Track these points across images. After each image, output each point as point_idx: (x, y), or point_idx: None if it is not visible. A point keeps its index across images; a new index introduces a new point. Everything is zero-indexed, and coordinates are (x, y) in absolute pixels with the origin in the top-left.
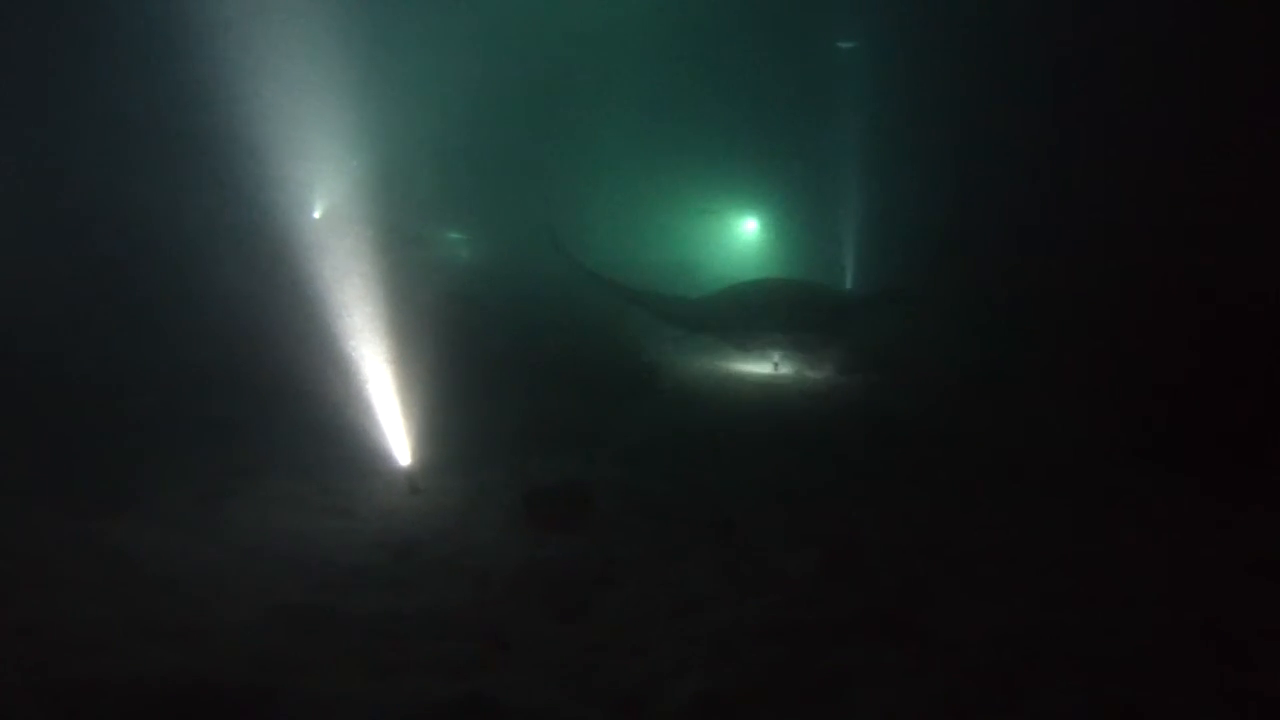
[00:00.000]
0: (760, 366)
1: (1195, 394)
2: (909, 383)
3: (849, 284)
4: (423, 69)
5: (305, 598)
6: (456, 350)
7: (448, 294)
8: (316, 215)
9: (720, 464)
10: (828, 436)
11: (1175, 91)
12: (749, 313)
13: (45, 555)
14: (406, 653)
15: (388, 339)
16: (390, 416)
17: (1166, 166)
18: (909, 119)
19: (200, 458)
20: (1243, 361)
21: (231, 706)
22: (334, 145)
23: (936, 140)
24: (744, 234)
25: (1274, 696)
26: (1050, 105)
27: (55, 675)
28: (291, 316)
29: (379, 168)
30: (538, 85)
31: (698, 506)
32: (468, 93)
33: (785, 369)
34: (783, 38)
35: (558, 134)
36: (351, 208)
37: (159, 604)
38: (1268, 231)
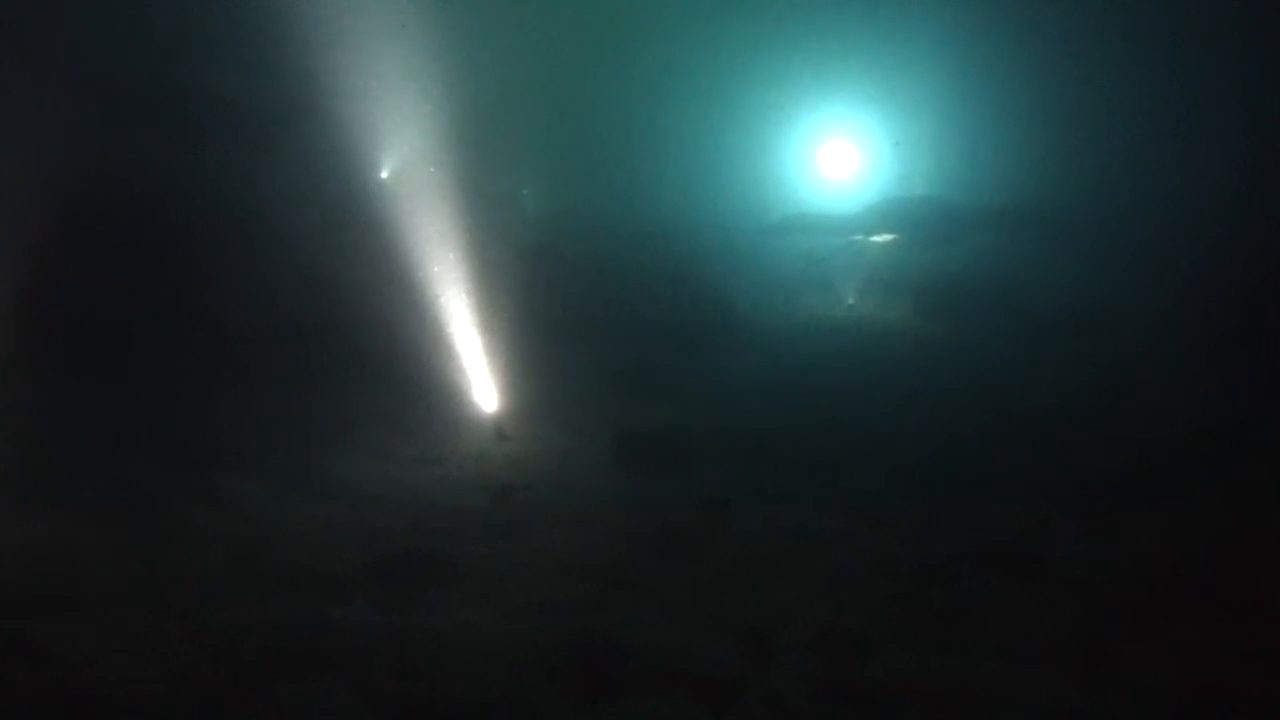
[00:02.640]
0: None
1: None
2: None
3: None
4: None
5: (415, 542)
6: (537, 299)
7: (526, 246)
8: (385, 174)
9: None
10: None
11: None
12: None
13: (173, 509)
14: (525, 593)
15: (468, 290)
16: (475, 366)
17: None
18: None
19: (294, 412)
20: None
21: (368, 649)
22: (403, 102)
23: None
24: None
25: None
26: None
27: (197, 623)
28: (374, 273)
29: (449, 124)
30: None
31: (796, 446)
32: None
33: None
34: None
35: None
36: (424, 165)
37: (283, 554)
38: None
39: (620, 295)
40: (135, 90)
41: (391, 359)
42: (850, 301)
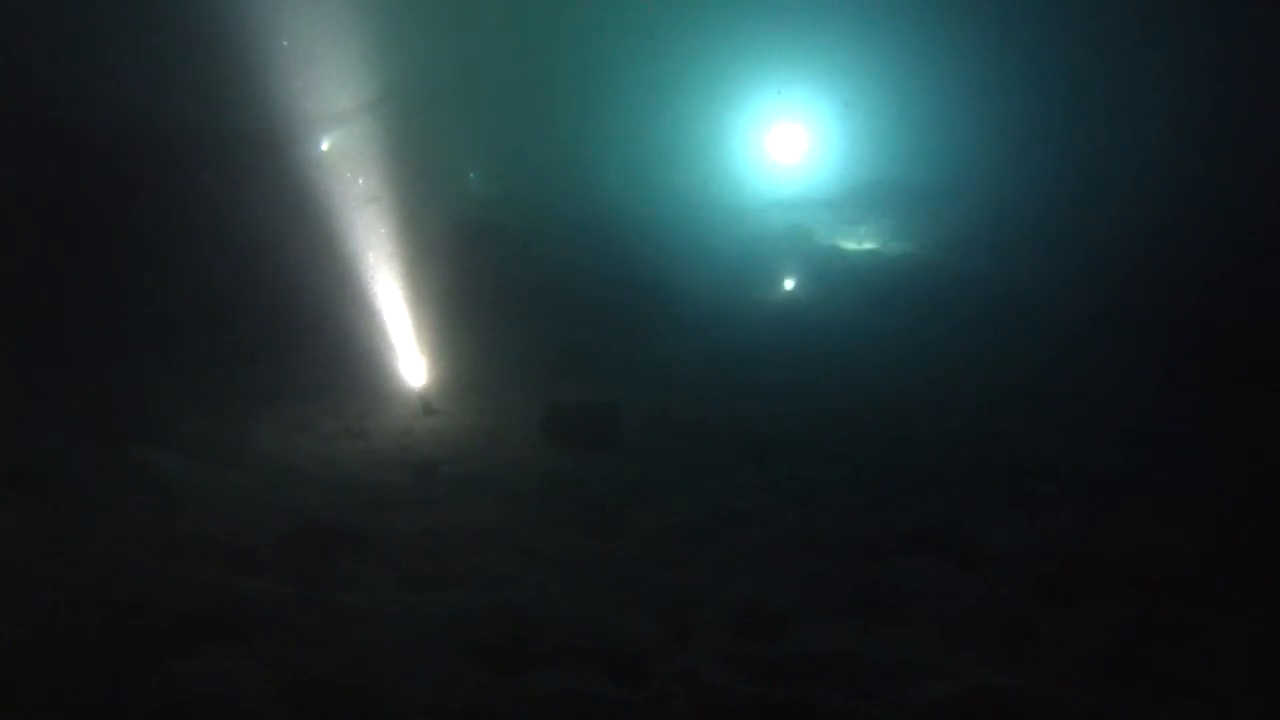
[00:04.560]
0: None
1: None
2: None
3: None
4: None
5: (335, 515)
6: (473, 277)
7: (465, 222)
8: (324, 147)
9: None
10: None
11: None
12: None
13: (85, 480)
14: (441, 567)
15: (400, 267)
16: (402, 341)
17: None
18: None
19: (218, 384)
20: None
21: (273, 620)
22: (345, 76)
23: None
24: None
25: None
26: None
27: (101, 594)
28: (304, 246)
29: (392, 100)
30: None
31: (727, 428)
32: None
33: None
34: None
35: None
36: (363, 140)
37: (196, 526)
38: None
39: (558, 276)
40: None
41: (317, 332)
42: (789, 286)
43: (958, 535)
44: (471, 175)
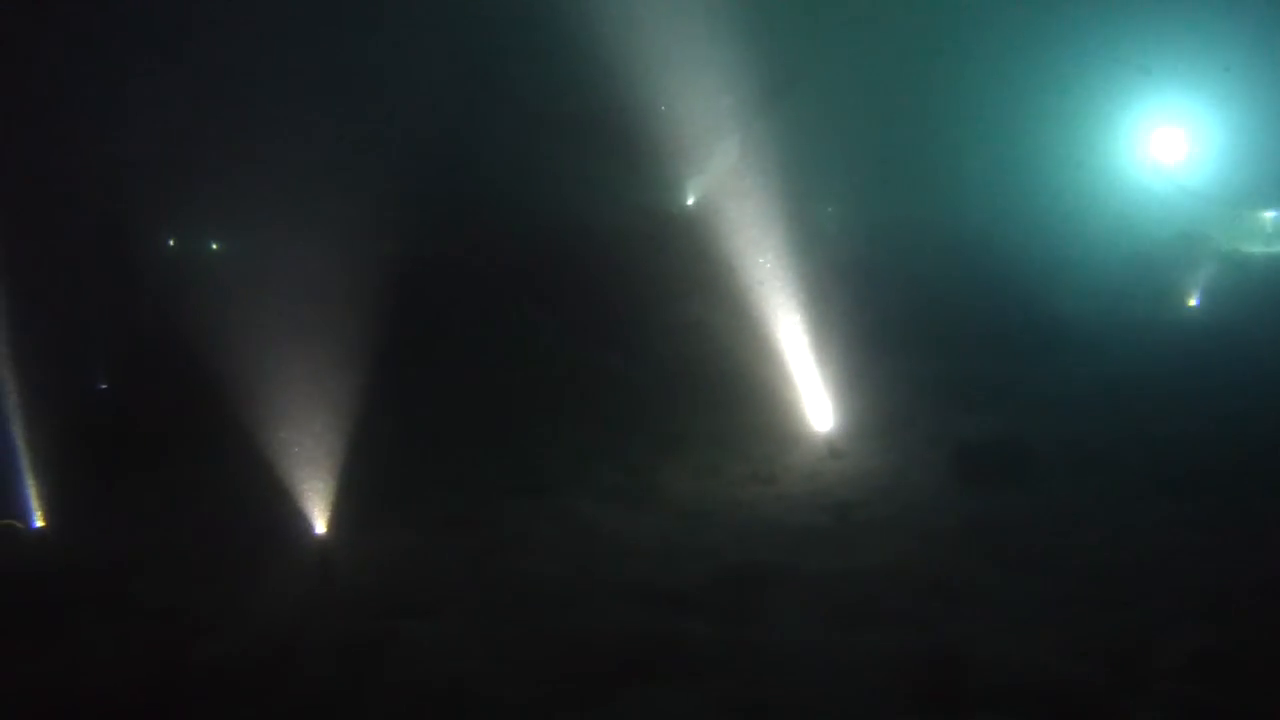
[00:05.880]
0: None
1: None
2: None
3: None
4: None
5: (754, 557)
6: (858, 314)
7: (842, 261)
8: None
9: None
10: None
11: None
12: None
13: (512, 526)
14: (866, 607)
15: (787, 308)
16: (803, 381)
17: None
18: None
19: (626, 433)
20: None
21: (709, 658)
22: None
23: None
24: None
25: None
26: None
27: (550, 629)
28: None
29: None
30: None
31: (1140, 458)
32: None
33: None
34: None
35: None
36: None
37: (618, 565)
38: None
39: (942, 307)
40: None
41: (720, 380)
42: (1186, 303)
43: None
44: (829, 210)
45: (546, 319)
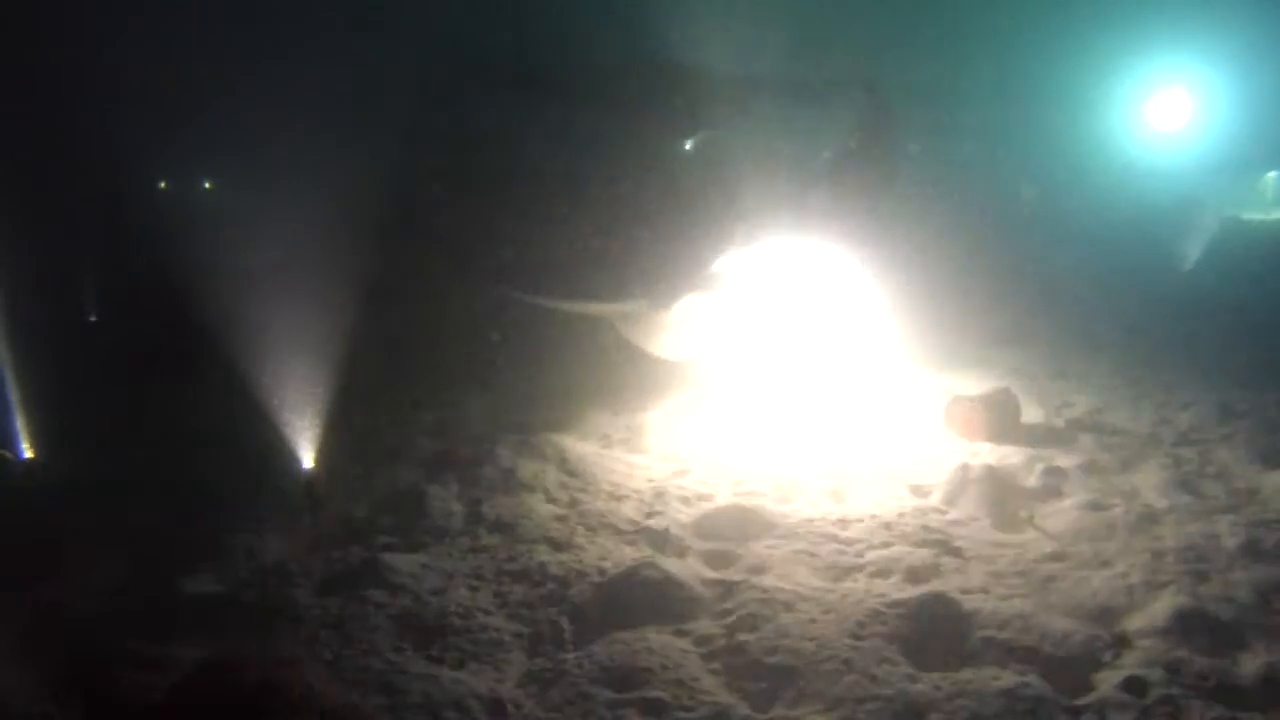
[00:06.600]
0: None
1: None
2: None
3: None
4: None
5: (741, 500)
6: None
7: None
8: None
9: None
10: None
11: None
12: None
13: (506, 462)
14: (858, 557)
15: None
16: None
17: None
18: None
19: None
20: None
21: (698, 601)
22: None
23: None
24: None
25: None
26: None
27: (539, 568)
28: None
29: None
30: None
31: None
32: None
33: None
34: None
35: None
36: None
37: (611, 506)
38: None
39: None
40: None
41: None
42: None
43: None
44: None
45: None
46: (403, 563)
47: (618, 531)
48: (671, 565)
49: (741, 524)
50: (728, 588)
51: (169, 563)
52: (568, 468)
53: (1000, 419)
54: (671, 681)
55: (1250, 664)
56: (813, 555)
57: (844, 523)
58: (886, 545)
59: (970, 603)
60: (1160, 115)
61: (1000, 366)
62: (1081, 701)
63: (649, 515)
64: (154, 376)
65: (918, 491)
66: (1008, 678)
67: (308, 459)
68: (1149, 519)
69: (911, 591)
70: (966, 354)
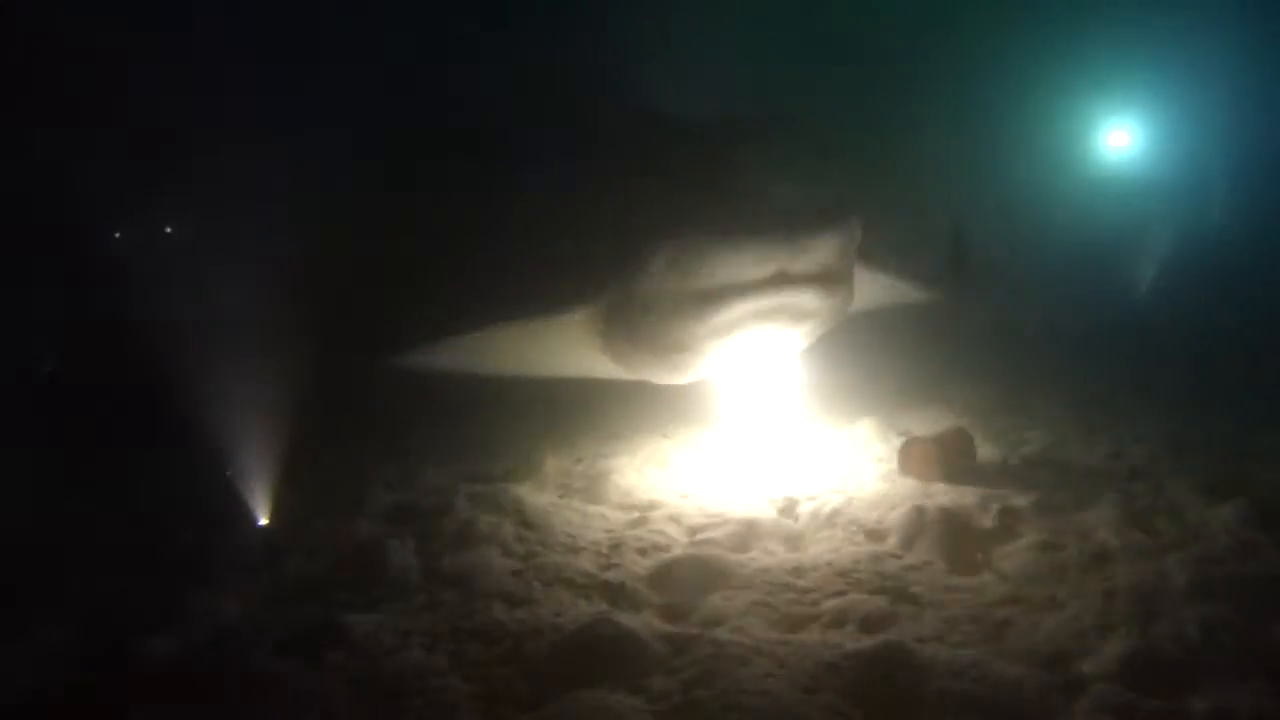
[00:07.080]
0: None
1: None
2: None
3: None
4: None
5: (698, 551)
6: None
7: None
8: None
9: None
10: None
11: None
12: None
13: (462, 513)
14: (813, 606)
15: None
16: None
17: None
18: None
19: (574, 429)
20: None
21: (652, 657)
22: None
23: None
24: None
25: None
26: None
27: (494, 624)
28: None
29: None
30: None
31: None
32: None
33: None
34: None
35: None
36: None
37: (568, 559)
38: None
39: None
40: None
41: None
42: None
43: None
44: None
45: None
46: (360, 621)
47: (574, 585)
48: (627, 620)
49: (699, 575)
50: (683, 642)
51: (115, 627)
52: (524, 519)
53: (955, 459)
54: None
55: (1199, 705)
56: (768, 606)
57: (799, 571)
58: (841, 594)
59: (925, 651)
60: (1115, 137)
61: (955, 404)
62: None
63: (606, 568)
64: (100, 433)
65: (873, 536)
66: None
67: (263, 515)
68: (1101, 558)
69: (866, 642)
70: (921, 393)
